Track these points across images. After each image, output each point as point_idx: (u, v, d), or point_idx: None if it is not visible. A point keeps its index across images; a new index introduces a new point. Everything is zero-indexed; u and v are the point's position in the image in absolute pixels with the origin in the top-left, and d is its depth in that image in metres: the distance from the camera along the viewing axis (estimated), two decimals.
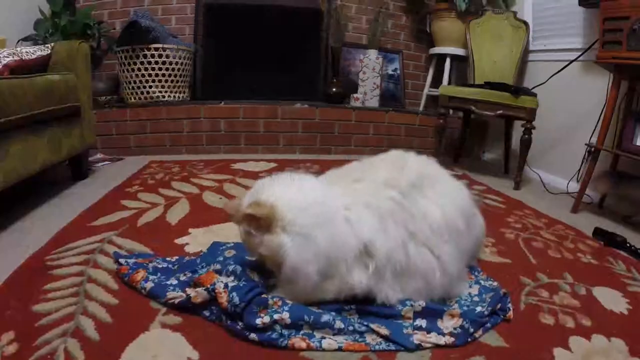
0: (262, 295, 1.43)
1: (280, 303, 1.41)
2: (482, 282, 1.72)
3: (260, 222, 1.37)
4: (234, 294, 1.38)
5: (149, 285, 1.55)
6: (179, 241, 2.08)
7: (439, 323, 1.45)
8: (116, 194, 2.77)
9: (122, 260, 1.72)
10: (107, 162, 3.66)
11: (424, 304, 1.48)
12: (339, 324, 1.37)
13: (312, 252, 1.36)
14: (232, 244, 1.91)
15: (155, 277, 1.61)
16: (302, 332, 1.36)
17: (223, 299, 1.38)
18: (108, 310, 1.47)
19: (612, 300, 1.75)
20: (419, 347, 1.36)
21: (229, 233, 2.15)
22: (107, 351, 1.27)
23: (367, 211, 1.46)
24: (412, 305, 1.47)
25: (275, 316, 1.35)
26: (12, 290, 1.57)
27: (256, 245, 1.41)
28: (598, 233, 2.48)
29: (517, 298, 1.70)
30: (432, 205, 1.54)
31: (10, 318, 1.40)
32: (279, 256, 1.36)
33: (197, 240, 2.08)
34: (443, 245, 1.50)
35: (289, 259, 1.35)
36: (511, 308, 1.58)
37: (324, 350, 1.32)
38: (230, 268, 1.55)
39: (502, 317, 1.52)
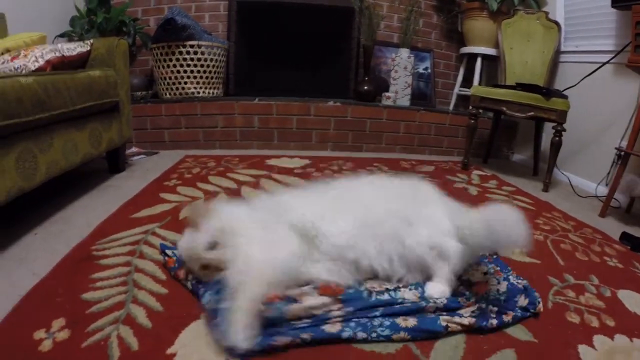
0: None
1: None
2: (511, 279, 1.77)
3: None
4: None
5: (189, 284, 1.60)
6: None
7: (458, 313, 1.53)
8: (155, 187, 2.85)
9: (168, 252, 1.78)
10: (142, 156, 3.75)
11: (445, 300, 1.55)
12: (361, 335, 1.40)
13: None
14: None
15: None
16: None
17: None
18: (158, 299, 1.54)
19: (636, 303, 1.77)
20: (446, 329, 1.43)
21: None
22: (160, 338, 1.34)
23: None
24: (434, 302, 1.54)
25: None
26: (60, 279, 1.64)
27: None
28: (625, 237, 2.48)
29: (545, 297, 1.74)
30: None
31: (60, 305, 1.47)
32: None
33: None
34: None
35: None
36: (540, 302, 1.62)
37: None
38: None
39: (531, 310, 1.58)
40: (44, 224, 2.19)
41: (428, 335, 1.42)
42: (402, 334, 1.41)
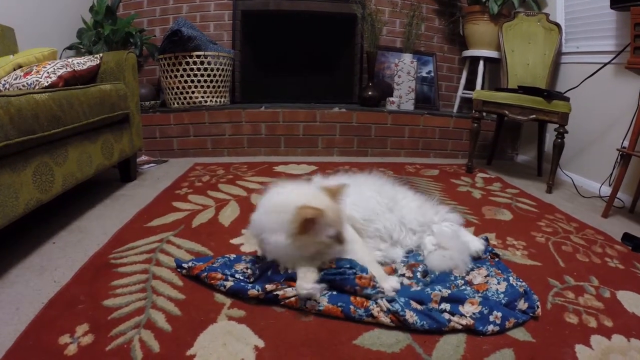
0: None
1: None
2: (511, 280, 1.81)
3: None
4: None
5: (229, 284, 1.69)
6: (234, 241, 2.21)
7: (460, 308, 1.60)
8: (167, 195, 2.91)
9: (184, 265, 1.83)
10: (152, 165, 3.82)
11: (450, 290, 1.69)
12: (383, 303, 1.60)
13: None
14: None
15: (234, 278, 1.74)
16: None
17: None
18: (176, 304, 1.62)
19: (635, 303, 1.80)
20: (449, 322, 1.52)
21: None
22: (180, 341, 1.41)
23: None
24: (440, 291, 1.66)
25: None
26: (81, 287, 1.71)
27: None
28: (626, 238, 2.50)
29: (544, 298, 1.78)
30: None
31: (83, 312, 1.54)
32: None
33: (250, 241, 2.18)
34: None
35: None
36: (539, 306, 1.67)
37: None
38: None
39: (530, 314, 1.63)
40: (61, 233, 2.27)
41: (432, 323, 1.51)
42: (412, 313, 1.53)
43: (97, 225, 2.40)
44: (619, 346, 1.51)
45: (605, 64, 3.42)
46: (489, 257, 2.06)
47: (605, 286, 1.94)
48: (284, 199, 1.70)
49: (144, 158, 3.98)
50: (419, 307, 1.58)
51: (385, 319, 1.54)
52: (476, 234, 2.41)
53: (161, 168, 3.74)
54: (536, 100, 3.39)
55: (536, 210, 2.99)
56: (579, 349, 1.47)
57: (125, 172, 3.26)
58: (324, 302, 1.60)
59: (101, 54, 2.97)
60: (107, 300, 1.62)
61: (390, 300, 1.59)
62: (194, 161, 3.97)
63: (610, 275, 2.07)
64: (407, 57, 4.66)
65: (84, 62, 2.75)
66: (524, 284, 1.80)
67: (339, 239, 1.66)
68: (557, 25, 4.05)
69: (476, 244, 2.05)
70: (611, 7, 3.24)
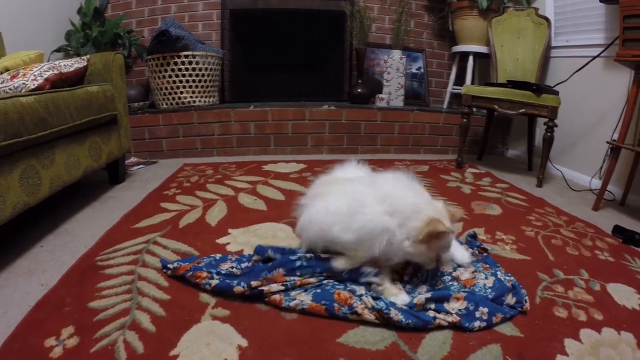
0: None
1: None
2: (499, 274, 1.81)
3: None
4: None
5: (214, 282, 1.68)
6: (220, 241, 2.20)
7: (446, 305, 1.59)
8: (155, 196, 2.90)
9: (170, 265, 1.83)
10: (141, 166, 3.80)
11: (432, 291, 1.69)
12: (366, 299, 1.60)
13: None
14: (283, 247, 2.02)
15: (220, 277, 1.74)
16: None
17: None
18: (161, 305, 1.61)
19: (625, 296, 1.80)
20: (434, 319, 1.51)
21: (266, 233, 2.31)
22: (164, 341, 1.41)
23: None
24: (420, 293, 1.66)
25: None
26: (67, 289, 1.71)
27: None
28: (617, 230, 2.50)
29: (533, 293, 1.77)
30: None
31: (68, 314, 1.54)
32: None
33: (237, 240, 2.20)
34: None
35: None
36: (527, 301, 1.66)
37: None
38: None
39: (518, 309, 1.62)
40: (49, 236, 2.25)
41: (417, 322, 1.50)
42: (396, 311, 1.51)
43: (85, 227, 2.38)
44: (610, 339, 1.50)
45: (594, 57, 3.41)
46: (477, 252, 2.06)
47: (595, 279, 1.93)
48: (410, 200, 1.73)
49: (133, 159, 3.97)
50: (404, 307, 1.56)
51: (369, 315, 1.53)
52: (465, 229, 2.42)
53: (150, 169, 3.72)
54: (525, 94, 3.38)
55: (526, 204, 2.99)
56: (569, 343, 1.46)
57: (114, 173, 3.24)
58: (308, 301, 1.60)
59: (88, 56, 2.95)
60: (92, 302, 1.61)
61: (375, 298, 1.59)
62: (183, 162, 3.96)
63: (601, 268, 2.06)
64: (397, 54, 4.65)
65: (71, 64, 2.74)
66: (512, 278, 1.80)
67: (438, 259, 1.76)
68: (547, 19, 4.04)
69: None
70: (600, 1, 3.25)
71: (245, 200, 2.85)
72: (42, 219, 2.47)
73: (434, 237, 1.62)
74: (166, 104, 4.23)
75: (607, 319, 1.62)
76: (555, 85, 3.72)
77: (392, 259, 1.72)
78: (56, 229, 2.35)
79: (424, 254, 1.66)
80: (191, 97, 4.22)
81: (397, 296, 1.63)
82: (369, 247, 1.69)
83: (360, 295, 1.61)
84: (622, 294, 1.82)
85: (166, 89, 4.17)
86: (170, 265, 1.83)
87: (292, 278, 1.73)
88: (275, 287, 1.65)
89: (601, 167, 3.34)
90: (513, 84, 3.58)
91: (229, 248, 2.12)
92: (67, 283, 1.76)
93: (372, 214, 1.68)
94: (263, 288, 1.64)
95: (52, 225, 2.40)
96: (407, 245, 1.65)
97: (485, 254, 2.05)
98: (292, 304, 1.59)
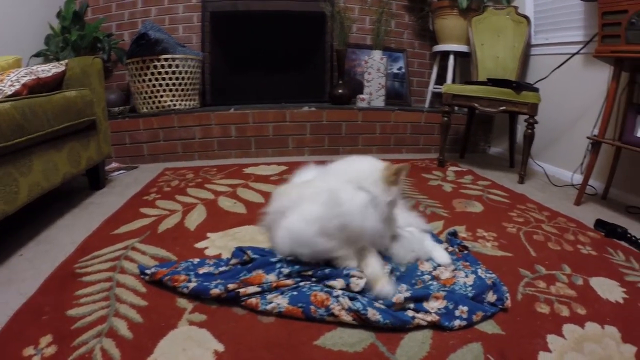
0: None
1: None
2: (479, 272, 1.80)
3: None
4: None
5: (192, 285, 1.67)
6: (198, 245, 2.17)
7: (425, 304, 1.58)
8: (135, 202, 2.86)
9: (147, 271, 1.81)
10: (122, 171, 3.75)
11: (410, 290, 1.66)
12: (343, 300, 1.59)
13: None
14: (263, 248, 2.03)
15: (198, 279, 1.73)
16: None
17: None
18: (138, 311, 1.59)
19: (608, 289, 1.80)
20: (413, 319, 1.50)
21: (244, 236, 2.28)
22: (141, 348, 1.39)
23: None
24: (400, 292, 1.64)
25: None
26: (46, 297, 1.68)
27: None
28: (599, 224, 2.51)
29: (515, 289, 1.77)
30: None
31: (46, 323, 1.51)
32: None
33: (215, 244, 2.18)
34: None
35: None
36: (508, 298, 1.66)
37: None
38: (285, 271, 1.76)
39: (499, 306, 1.61)
40: (29, 244, 2.22)
41: (395, 321, 1.48)
42: (374, 311, 1.50)
43: (65, 234, 2.35)
44: (593, 334, 1.50)
45: (574, 54, 3.44)
46: (457, 249, 2.06)
47: (578, 273, 1.94)
48: (362, 165, 1.90)
49: (114, 165, 3.92)
50: (382, 306, 1.55)
51: (347, 317, 1.52)
52: (446, 227, 2.43)
53: (131, 174, 3.68)
54: (505, 92, 3.39)
55: (508, 201, 3.00)
56: (551, 339, 1.46)
57: (95, 179, 3.20)
58: (284, 304, 1.58)
59: (67, 61, 2.91)
60: (71, 310, 1.59)
61: (352, 298, 1.57)
62: (164, 166, 3.92)
63: (583, 262, 2.07)
64: (377, 54, 4.65)
65: (49, 69, 2.71)
66: (493, 275, 1.80)
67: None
68: (526, 17, 4.06)
69: (440, 255, 1.97)
70: None
71: (225, 203, 2.83)
72: (22, 227, 2.43)
73: (399, 174, 1.80)
74: (146, 108, 4.19)
75: (590, 313, 1.62)
76: (536, 82, 3.73)
77: (383, 235, 1.81)
78: (36, 237, 2.31)
79: (395, 200, 1.83)
80: (171, 100, 4.18)
81: (383, 287, 1.63)
82: (364, 228, 1.74)
83: (337, 296, 1.59)
84: (605, 287, 1.83)
85: (146, 92, 4.13)
86: (147, 271, 1.81)
87: (269, 280, 1.71)
88: (251, 289, 1.64)
89: (582, 163, 3.36)
90: (493, 82, 3.58)
91: (207, 252, 2.10)
92: (46, 291, 1.74)
93: (349, 196, 1.74)
94: (239, 290, 1.63)
95: (33, 233, 2.36)
96: (385, 198, 1.78)
97: (465, 252, 2.04)
98: (268, 307, 1.58)
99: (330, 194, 1.74)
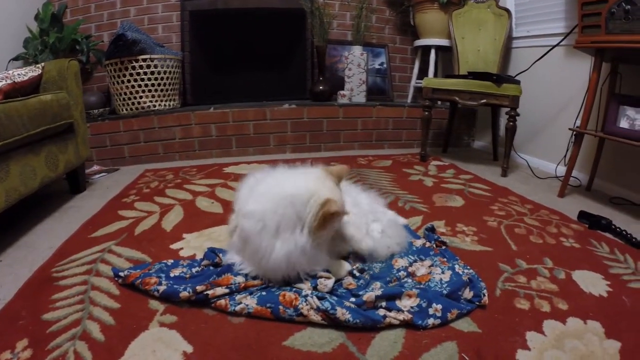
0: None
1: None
2: (456, 268, 1.78)
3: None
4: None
5: (162, 288, 1.65)
6: (174, 246, 2.16)
7: (398, 302, 1.55)
8: (114, 204, 2.83)
9: (121, 273, 1.80)
10: (103, 174, 3.71)
11: (383, 288, 1.64)
12: (311, 300, 1.57)
13: None
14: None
15: (168, 282, 1.71)
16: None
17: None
18: (111, 313, 1.58)
19: (591, 283, 1.78)
20: (384, 318, 1.47)
21: (220, 236, 2.27)
22: (112, 350, 1.39)
23: None
24: (372, 290, 1.62)
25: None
26: (23, 302, 1.67)
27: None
28: (583, 216, 2.50)
29: (493, 285, 1.74)
30: None
31: (23, 327, 1.51)
32: None
33: (190, 245, 2.17)
34: None
35: None
36: (486, 294, 1.62)
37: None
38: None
39: (476, 303, 1.58)
40: (8, 250, 2.20)
41: (366, 320, 1.46)
42: (344, 311, 1.48)
43: (44, 239, 2.32)
44: (575, 329, 1.47)
45: (554, 46, 3.45)
46: (434, 245, 2.03)
47: (560, 267, 1.92)
48: (294, 189, 1.64)
49: (95, 168, 3.88)
50: (352, 305, 1.52)
51: (315, 317, 1.50)
52: (425, 222, 2.42)
53: (112, 177, 3.64)
54: (485, 84, 3.39)
55: (489, 194, 2.99)
56: (530, 336, 1.43)
57: (75, 183, 3.16)
58: (253, 304, 1.57)
59: (43, 64, 2.88)
60: (47, 314, 1.58)
61: (321, 298, 1.55)
62: (145, 167, 3.88)
63: (566, 255, 2.05)
64: (357, 50, 4.63)
65: (25, 73, 2.69)
66: (470, 271, 1.78)
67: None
68: (507, 10, 4.07)
69: (367, 244, 1.92)
70: None
71: (203, 203, 2.81)
72: (1, 232, 2.40)
73: (333, 219, 1.61)
74: (126, 109, 4.15)
75: (572, 308, 1.60)
76: (517, 74, 3.74)
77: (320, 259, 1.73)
78: (16, 242, 2.29)
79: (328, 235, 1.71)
80: (151, 101, 4.14)
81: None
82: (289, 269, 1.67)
83: (306, 296, 1.57)
84: (588, 280, 1.81)
85: (125, 94, 4.09)
86: (121, 274, 1.79)
87: (237, 281, 1.69)
88: (219, 290, 1.62)
89: (566, 154, 3.35)
90: (474, 75, 3.58)
91: (182, 253, 2.09)
92: (23, 296, 1.73)
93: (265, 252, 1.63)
94: (208, 292, 1.61)
95: (12, 238, 2.33)
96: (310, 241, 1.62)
97: (443, 247, 2.02)
98: (237, 308, 1.56)
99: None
